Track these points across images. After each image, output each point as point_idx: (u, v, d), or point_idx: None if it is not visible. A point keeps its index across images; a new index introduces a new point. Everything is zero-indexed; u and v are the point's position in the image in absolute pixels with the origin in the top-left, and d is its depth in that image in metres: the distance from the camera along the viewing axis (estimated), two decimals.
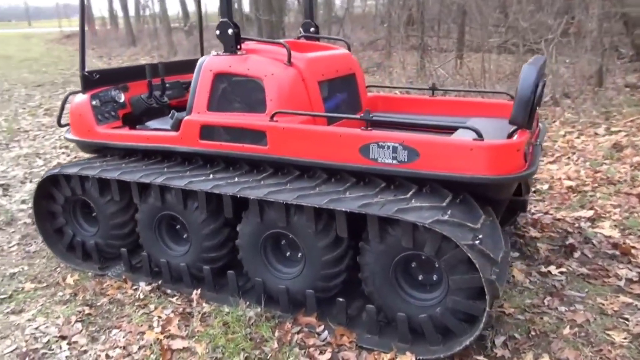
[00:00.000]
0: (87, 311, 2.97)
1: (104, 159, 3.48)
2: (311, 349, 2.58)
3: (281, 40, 3.19)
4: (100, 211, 3.39)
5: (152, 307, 3.00)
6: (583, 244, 3.64)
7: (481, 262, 2.27)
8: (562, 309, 2.89)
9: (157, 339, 2.67)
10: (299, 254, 2.83)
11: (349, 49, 3.85)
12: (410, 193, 2.57)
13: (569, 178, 4.91)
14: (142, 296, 3.11)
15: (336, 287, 2.82)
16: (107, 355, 2.57)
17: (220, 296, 3.08)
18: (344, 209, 2.51)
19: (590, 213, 4.12)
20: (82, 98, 3.55)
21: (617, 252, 3.50)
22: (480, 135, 2.47)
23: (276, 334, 2.70)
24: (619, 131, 6.19)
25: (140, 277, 3.32)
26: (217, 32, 3.10)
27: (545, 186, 4.76)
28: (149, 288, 3.17)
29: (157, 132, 3.30)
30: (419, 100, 3.85)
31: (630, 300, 2.94)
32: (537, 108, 3.26)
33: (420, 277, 2.62)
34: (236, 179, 2.92)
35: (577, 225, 3.94)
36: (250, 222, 2.87)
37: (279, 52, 3.08)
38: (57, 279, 3.37)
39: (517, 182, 2.61)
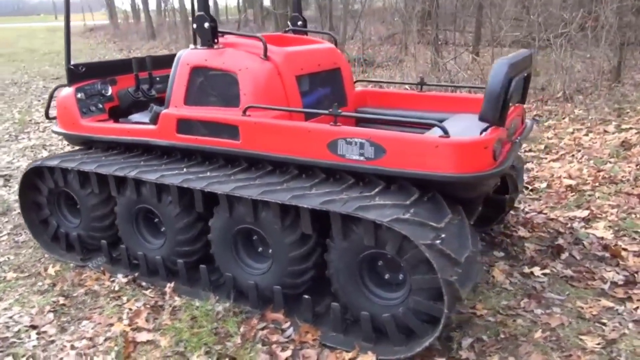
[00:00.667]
0: (61, 301, 3.01)
1: (86, 151, 3.52)
2: (274, 346, 2.56)
3: (259, 34, 3.16)
4: (82, 203, 3.43)
5: (124, 299, 3.02)
6: (572, 245, 3.52)
7: (440, 263, 2.21)
8: (538, 311, 2.81)
9: (124, 331, 2.69)
10: (270, 250, 2.81)
11: (336, 43, 3.80)
12: (376, 190, 2.52)
13: (569, 177, 4.77)
14: (117, 288, 3.13)
15: (304, 284, 2.79)
16: (72, 346, 2.60)
17: (193, 290, 3.08)
18: (305, 206, 2.47)
19: (585, 213, 3.99)
20: (67, 91, 3.59)
21: (607, 254, 3.38)
22: (446, 132, 2.41)
23: (241, 329, 2.68)
24: (630, 128, 5.97)
25: (119, 270, 3.35)
26: (194, 25, 3.09)
27: (544, 184, 4.63)
28: (125, 280, 3.19)
29: (137, 126, 3.32)
30: (408, 96, 3.77)
31: (611, 305, 2.84)
32: (522, 104, 3.19)
33: (386, 276, 2.57)
34: (207, 173, 2.91)
35: (569, 225, 3.82)
36: (221, 217, 2.86)
37: (257, 46, 3.05)
38: (39, 269, 3.42)
39: (487, 180, 2.53)
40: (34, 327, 2.77)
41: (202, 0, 3.02)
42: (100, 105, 3.69)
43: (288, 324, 2.72)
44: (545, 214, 4.06)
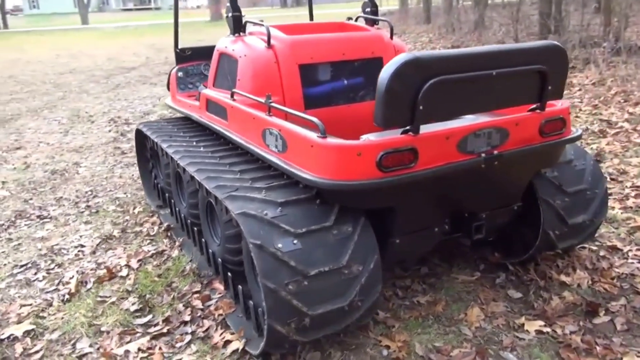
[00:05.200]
0: (114, 233, 3.87)
1: (170, 121, 4.28)
2: (188, 309, 2.82)
3: (275, 24, 3.30)
4: (159, 161, 4.22)
5: (147, 242, 3.69)
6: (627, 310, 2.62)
7: (267, 267, 2.10)
8: None
9: (121, 264, 3.36)
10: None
11: (391, 33, 3.57)
12: (273, 184, 2.48)
13: None
14: (154, 233, 3.82)
15: (242, 263, 2.92)
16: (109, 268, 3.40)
17: (194, 248, 3.53)
18: (205, 185, 2.62)
19: None
20: (174, 70, 4.40)
21: None
22: (323, 132, 2.20)
23: (185, 287, 3.02)
24: None
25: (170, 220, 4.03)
26: (225, 15, 3.44)
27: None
28: (162, 228, 3.86)
29: (191, 102, 3.88)
30: None
31: None
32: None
33: None
34: (197, 149, 3.28)
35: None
36: (200, 188, 3.20)
37: (273, 35, 3.21)
38: (129, 207, 4.38)
39: (366, 192, 2.18)
40: (82, 245, 3.69)
41: None
42: (199, 84, 4.38)
43: (219, 296, 2.93)
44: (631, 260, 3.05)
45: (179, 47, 4.37)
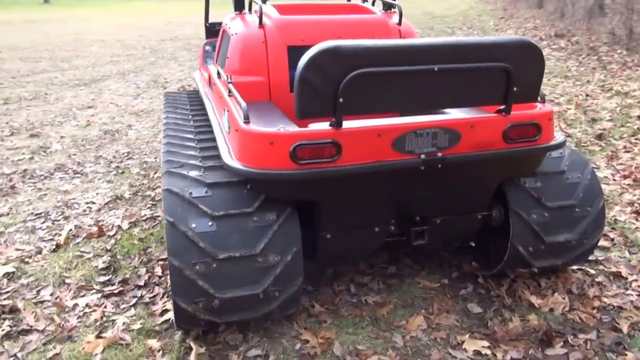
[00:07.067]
0: (125, 194, 4.12)
1: (193, 93, 4.42)
2: (148, 274, 2.94)
3: (279, 4, 3.27)
4: None
5: (159, 207, 3.89)
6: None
7: (176, 246, 2.13)
8: None
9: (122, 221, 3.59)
10: None
11: (400, 16, 3.37)
12: (217, 164, 2.48)
13: None
14: (158, 198, 4.02)
15: None
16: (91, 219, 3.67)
17: None
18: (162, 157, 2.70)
19: None
20: (202, 44, 4.53)
21: None
22: (245, 116, 2.17)
23: (157, 254, 3.16)
24: None
25: None
26: None
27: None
28: None
29: (204, 75, 3.97)
30: None
31: None
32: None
33: None
34: (187, 123, 3.37)
35: None
36: None
37: (268, 14, 3.20)
38: (150, 172, 4.63)
39: (281, 182, 2.09)
40: (92, 202, 3.98)
41: None
42: None
43: None
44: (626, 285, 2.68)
45: (209, 21, 4.47)
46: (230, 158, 2.23)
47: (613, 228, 3.40)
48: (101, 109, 6.91)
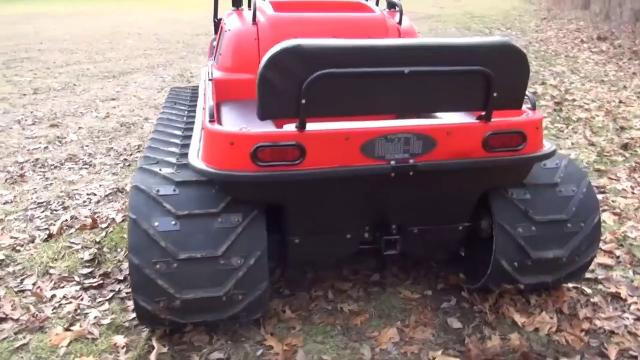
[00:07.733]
0: (127, 187, 4.15)
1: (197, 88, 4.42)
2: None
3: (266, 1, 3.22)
4: None
5: None
6: None
7: (137, 243, 2.10)
8: None
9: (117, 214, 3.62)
10: None
11: (401, 15, 3.26)
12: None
13: None
14: None
15: None
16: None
17: None
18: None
19: None
20: (210, 39, 4.52)
21: None
22: (211, 115, 2.12)
23: None
24: None
25: None
26: None
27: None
28: None
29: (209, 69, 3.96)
30: None
31: None
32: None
33: None
34: (180, 119, 3.36)
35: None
36: None
37: (263, 10, 3.15)
38: None
39: (243, 185, 2.03)
40: (94, 194, 4.03)
41: None
42: None
43: None
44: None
45: (218, 17, 4.46)
46: (195, 157, 2.19)
47: (621, 245, 3.19)
48: (123, 101, 7.03)
